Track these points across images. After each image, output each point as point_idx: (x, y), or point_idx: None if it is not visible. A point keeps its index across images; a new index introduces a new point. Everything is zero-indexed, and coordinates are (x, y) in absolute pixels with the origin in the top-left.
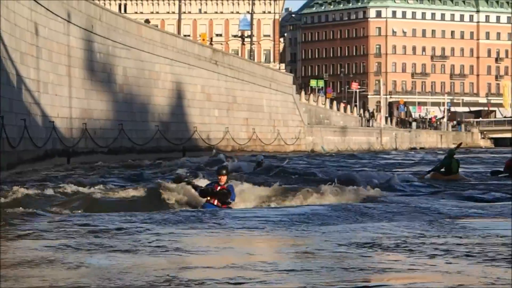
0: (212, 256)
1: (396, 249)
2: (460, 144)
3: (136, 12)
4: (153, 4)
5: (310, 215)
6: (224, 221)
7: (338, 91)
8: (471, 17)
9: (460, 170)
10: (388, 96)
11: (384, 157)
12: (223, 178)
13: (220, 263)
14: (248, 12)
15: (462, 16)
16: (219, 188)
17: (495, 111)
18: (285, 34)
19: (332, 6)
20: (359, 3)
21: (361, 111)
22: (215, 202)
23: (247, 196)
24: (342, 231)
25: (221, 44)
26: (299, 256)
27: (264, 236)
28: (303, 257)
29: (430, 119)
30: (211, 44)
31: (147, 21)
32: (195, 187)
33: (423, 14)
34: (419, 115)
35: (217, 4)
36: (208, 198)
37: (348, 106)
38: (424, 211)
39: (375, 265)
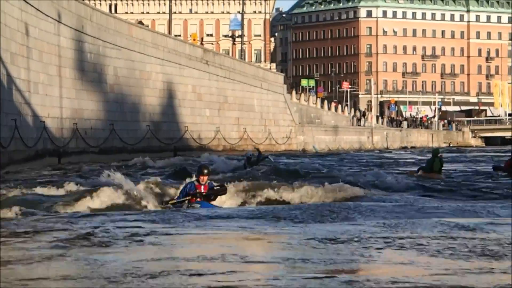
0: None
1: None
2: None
3: (126, 12)
4: (143, 5)
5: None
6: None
7: (329, 90)
8: (461, 16)
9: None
10: (379, 96)
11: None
12: (205, 178)
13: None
14: (238, 12)
15: (452, 16)
16: (202, 188)
17: (485, 110)
18: (276, 34)
19: (322, 6)
20: (350, 3)
21: (352, 110)
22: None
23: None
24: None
25: (212, 44)
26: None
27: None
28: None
29: (421, 118)
30: (202, 44)
31: (140, 22)
32: (176, 202)
33: (414, 13)
34: (410, 114)
35: (207, 4)
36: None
37: (339, 106)
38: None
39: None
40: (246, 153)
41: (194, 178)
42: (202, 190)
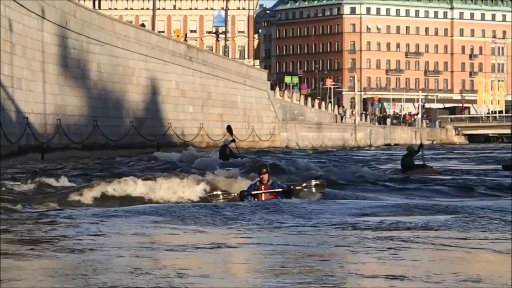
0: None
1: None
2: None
3: (110, 8)
4: (127, 0)
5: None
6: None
7: (313, 87)
8: (445, 14)
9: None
10: (362, 93)
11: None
12: (266, 177)
13: None
14: (222, 8)
15: (436, 13)
16: (263, 187)
17: (469, 107)
18: (260, 31)
19: (306, 3)
20: (334, 0)
21: (336, 107)
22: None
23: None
24: None
25: (196, 40)
26: None
27: None
28: None
29: (404, 115)
30: (185, 40)
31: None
32: (243, 196)
33: (398, 10)
34: (394, 111)
35: (191, 0)
36: (256, 199)
37: (323, 103)
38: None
39: None
40: (224, 141)
41: (256, 179)
42: (263, 190)
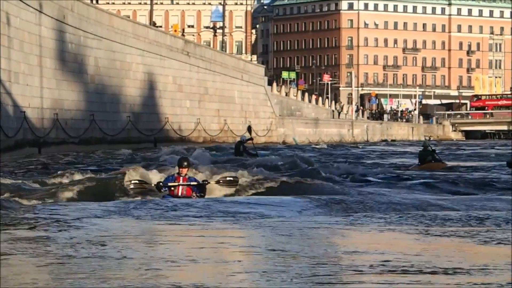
0: None
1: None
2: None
3: (108, 3)
4: None
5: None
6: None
7: (310, 83)
8: (443, 10)
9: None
10: (359, 88)
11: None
12: (185, 170)
13: None
14: (220, 3)
15: (434, 9)
16: (181, 179)
17: (466, 103)
18: (257, 26)
19: None
20: None
21: (333, 103)
22: (180, 193)
23: None
24: None
25: (193, 35)
26: None
27: None
28: None
29: (402, 111)
30: (183, 35)
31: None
32: (160, 187)
33: (395, 6)
34: (391, 107)
35: None
36: (172, 189)
37: (320, 98)
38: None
39: None
40: (241, 137)
41: (175, 171)
42: (181, 182)
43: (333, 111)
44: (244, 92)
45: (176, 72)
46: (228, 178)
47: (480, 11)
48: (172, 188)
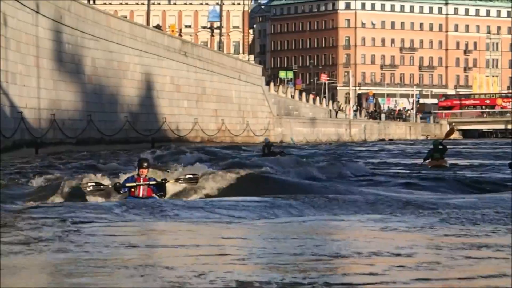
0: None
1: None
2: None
3: (105, 3)
4: None
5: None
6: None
7: (307, 82)
8: (440, 9)
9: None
10: (357, 88)
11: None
12: (145, 171)
13: None
14: (217, 3)
15: (431, 8)
16: (141, 180)
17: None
18: (255, 26)
19: None
20: None
21: (330, 102)
22: (140, 194)
23: None
24: None
25: (190, 35)
26: None
27: None
28: None
29: (399, 110)
30: (180, 35)
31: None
32: (118, 188)
33: (392, 6)
34: (388, 107)
35: None
36: (133, 190)
37: (317, 98)
38: None
39: None
40: (264, 139)
41: (135, 172)
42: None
43: (330, 110)
44: (242, 92)
45: (173, 72)
46: (188, 176)
47: (477, 11)
48: (132, 189)
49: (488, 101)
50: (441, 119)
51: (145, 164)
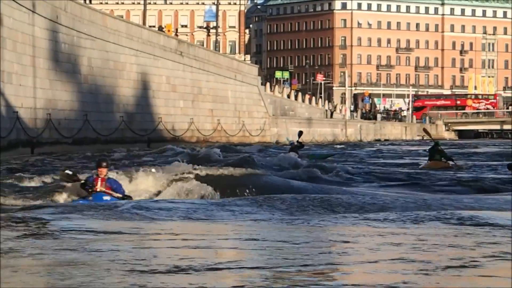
0: None
1: None
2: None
3: (101, 3)
4: None
5: None
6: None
7: (303, 82)
8: (436, 9)
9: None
10: (353, 88)
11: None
12: (104, 171)
13: None
14: (213, 3)
15: (427, 9)
16: (99, 180)
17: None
18: (251, 26)
19: None
20: None
21: (326, 102)
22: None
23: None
24: None
25: (187, 35)
26: None
27: None
28: None
29: (395, 111)
30: (176, 35)
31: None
32: (83, 185)
33: (388, 6)
34: (384, 107)
35: None
36: (90, 190)
37: (313, 98)
38: None
39: None
40: (288, 141)
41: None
42: (99, 183)
43: (326, 110)
44: (238, 92)
45: (169, 72)
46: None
47: (473, 11)
48: (90, 190)
49: (458, 102)
50: (437, 119)
51: (104, 164)
